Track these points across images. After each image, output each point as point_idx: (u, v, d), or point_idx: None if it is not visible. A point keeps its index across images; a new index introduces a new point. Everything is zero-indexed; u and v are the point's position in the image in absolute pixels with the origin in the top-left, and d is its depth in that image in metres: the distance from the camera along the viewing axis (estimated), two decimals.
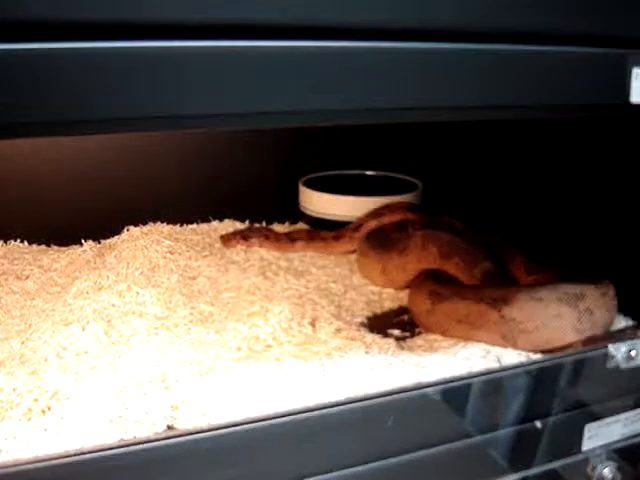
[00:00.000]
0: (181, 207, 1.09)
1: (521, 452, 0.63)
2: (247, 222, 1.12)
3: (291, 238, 1.04)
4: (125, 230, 1.01)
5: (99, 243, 1.00)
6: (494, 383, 0.59)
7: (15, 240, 1.01)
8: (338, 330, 0.75)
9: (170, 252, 0.95)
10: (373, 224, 1.01)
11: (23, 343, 0.72)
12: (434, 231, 0.90)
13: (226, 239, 1.03)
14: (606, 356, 0.63)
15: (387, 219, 1.01)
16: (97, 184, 1.05)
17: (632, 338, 0.64)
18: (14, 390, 0.60)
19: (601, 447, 0.66)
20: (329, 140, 1.12)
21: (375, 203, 1.05)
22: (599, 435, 0.65)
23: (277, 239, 1.04)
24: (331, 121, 0.54)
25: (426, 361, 0.69)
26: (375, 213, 1.03)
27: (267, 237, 1.04)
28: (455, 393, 0.58)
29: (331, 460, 0.55)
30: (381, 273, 0.91)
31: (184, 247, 0.98)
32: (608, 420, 0.66)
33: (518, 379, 0.60)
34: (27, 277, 0.90)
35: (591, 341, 0.70)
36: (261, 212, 1.11)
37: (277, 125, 0.52)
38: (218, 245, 1.03)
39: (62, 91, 0.39)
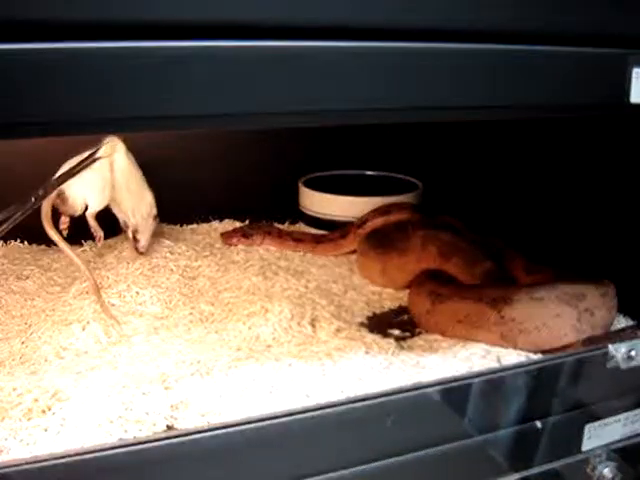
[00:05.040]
0: (181, 207, 1.09)
1: (521, 452, 0.63)
2: (247, 222, 1.12)
3: (295, 238, 1.04)
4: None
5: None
6: (494, 383, 0.59)
7: (15, 240, 1.01)
8: (338, 330, 0.75)
9: (170, 252, 0.95)
10: (380, 221, 1.01)
11: (23, 343, 0.72)
12: (434, 231, 0.90)
13: (227, 237, 1.03)
14: (606, 356, 0.63)
15: (395, 217, 1.01)
16: None
17: (632, 338, 0.64)
18: (14, 390, 0.60)
19: (601, 447, 0.66)
20: (329, 140, 1.12)
21: (375, 203, 1.05)
22: (599, 435, 0.65)
23: (280, 236, 1.04)
24: (332, 121, 0.54)
25: (426, 361, 0.69)
26: (383, 210, 1.02)
27: (269, 234, 1.04)
28: (455, 393, 0.58)
29: (331, 460, 0.55)
30: (381, 273, 0.91)
31: (184, 247, 0.98)
32: (608, 420, 0.66)
33: (518, 379, 0.60)
34: (27, 277, 0.91)
35: (591, 341, 0.70)
36: (261, 212, 1.10)
37: (277, 125, 0.52)
38: (218, 245, 1.03)
39: (62, 91, 0.39)
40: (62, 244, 0.79)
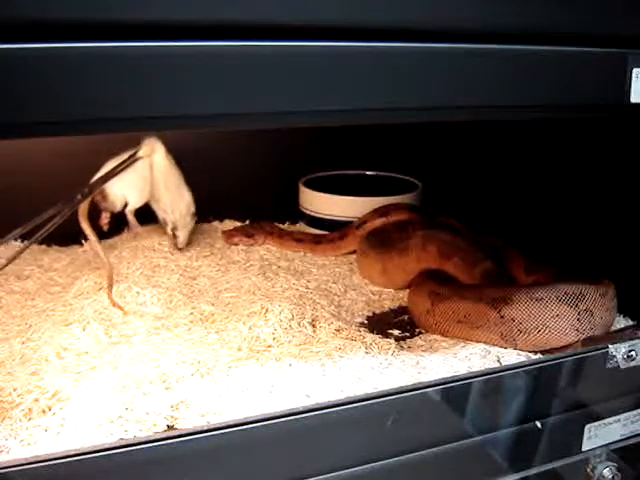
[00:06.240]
0: None
1: (521, 452, 0.63)
2: (247, 222, 1.12)
3: (295, 238, 1.04)
4: (125, 230, 1.01)
5: (99, 243, 1.00)
6: (494, 383, 0.59)
7: (15, 240, 1.01)
8: (338, 330, 0.75)
9: (170, 252, 0.95)
10: (379, 222, 1.01)
11: (23, 343, 0.72)
12: (434, 231, 0.90)
13: (228, 235, 1.03)
14: (606, 356, 0.63)
15: (393, 218, 1.01)
16: None
17: (632, 338, 0.64)
18: (14, 390, 0.60)
19: (601, 447, 0.66)
20: (329, 140, 1.12)
21: (375, 203, 1.05)
22: (599, 435, 0.65)
23: (280, 236, 1.04)
24: (332, 121, 0.54)
25: (426, 361, 0.69)
26: (381, 211, 1.03)
27: (271, 234, 1.04)
28: (455, 393, 0.58)
29: (331, 460, 0.55)
30: (381, 273, 0.91)
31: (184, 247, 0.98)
32: (608, 420, 0.66)
33: (518, 379, 0.60)
34: (27, 277, 0.91)
35: (591, 341, 0.70)
36: (261, 212, 1.11)
37: (277, 125, 0.52)
38: (218, 245, 1.03)
39: (62, 91, 0.39)
40: (93, 238, 0.83)
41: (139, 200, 0.91)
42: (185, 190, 0.96)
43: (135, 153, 0.87)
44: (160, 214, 0.96)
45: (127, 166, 0.85)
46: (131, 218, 0.90)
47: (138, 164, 0.88)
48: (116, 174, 0.84)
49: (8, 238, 0.79)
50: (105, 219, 0.88)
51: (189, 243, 1.00)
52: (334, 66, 0.45)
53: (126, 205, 0.89)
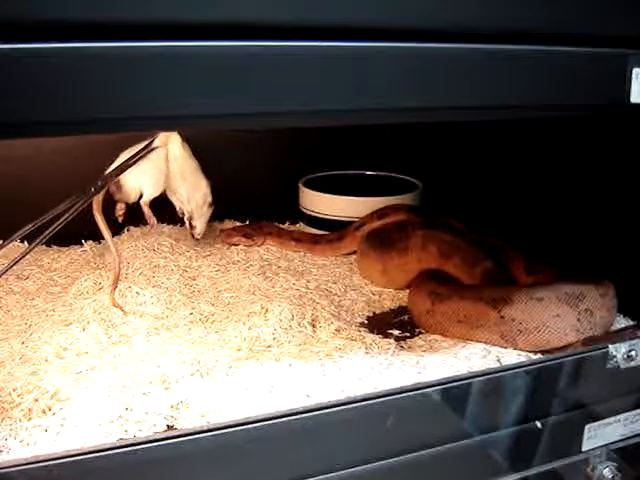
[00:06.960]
0: None
1: (521, 452, 0.63)
2: (247, 222, 1.12)
3: (295, 238, 1.04)
4: (125, 230, 1.01)
5: (99, 243, 1.00)
6: (494, 383, 0.59)
7: (15, 240, 1.01)
8: (338, 330, 0.75)
9: (170, 252, 0.95)
10: (376, 224, 1.01)
11: (23, 343, 0.72)
12: (434, 231, 0.90)
13: (227, 235, 1.03)
14: (606, 356, 0.63)
15: (391, 219, 1.01)
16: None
17: (632, 338, 0.64)
18: (14, 390, 0.60)
19: (601, 447, 0.66)
20: (329, 140, 1.12)
21: (375, 203, 1.05)
22: (599, 435, 0.65)
23: (280, 235, 1.04)
24: (332, 121, 0.54)
25: (426, 361, 0.69)
26: (379, 213, 1.03)
27: (270, 233, 1.04)
28: (455, 393, 0.58)
29: (331, 460, 0.55)
30: (381, 273, 0.91)
31: (184, 247, 0.98)
32: (608, 420, 0.66)
33: (518, 379, 0.60)
34: (27, 277, 0.91)
35: (591, 341, 0.70)
36: (261, 212, 1.11)
37: (278, 125, 0.52)
38: (218, 245, 1.03)
39: (62, 91, 0.39)
40: (106, 233, 0.82)
41: (154, 191, 0.90)
42: (202, 180, 0.95)
43: (151, 143, 0.86)
44: (177, 204, 0.96)
45: (143, 156, 0.84)
46: (146, 209, 0.89)
47: (153, 154, 0.87)
48: (131, 165, 0.83)
49: (17, 236, 0.77)
50: (120, 210, 0.87)
51: (188, 243, 1.01)
52: (334, 66, 0.45)
53: (141, 196, 0.88)
